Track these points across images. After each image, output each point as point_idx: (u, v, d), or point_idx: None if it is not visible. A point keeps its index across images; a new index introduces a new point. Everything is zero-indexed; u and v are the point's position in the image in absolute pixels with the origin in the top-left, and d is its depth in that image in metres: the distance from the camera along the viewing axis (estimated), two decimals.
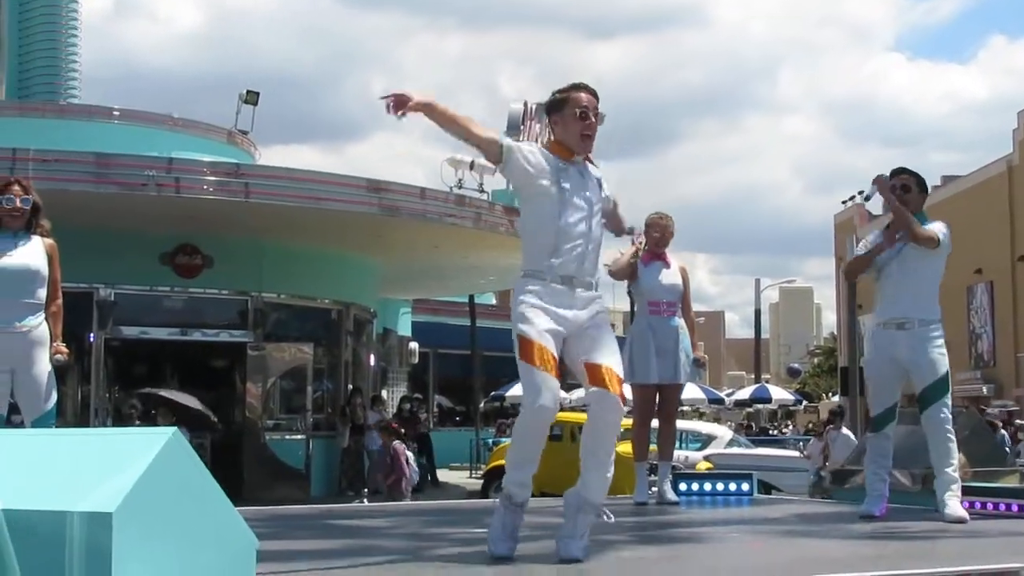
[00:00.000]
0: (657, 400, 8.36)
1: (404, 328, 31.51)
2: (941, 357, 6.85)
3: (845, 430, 16.54)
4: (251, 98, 24.60)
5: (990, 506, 7.15)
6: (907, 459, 8.38)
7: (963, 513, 6.64)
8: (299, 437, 20.75)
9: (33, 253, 6.65)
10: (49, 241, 6.75)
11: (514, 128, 31.18)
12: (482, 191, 23.59)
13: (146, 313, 19.62)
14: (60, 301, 6.79)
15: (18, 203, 6.65)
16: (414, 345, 31.70)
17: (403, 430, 23.92)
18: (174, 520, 3.56)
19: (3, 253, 6.58)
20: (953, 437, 6.83)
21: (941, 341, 6.90)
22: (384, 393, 26.31)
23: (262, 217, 18.10)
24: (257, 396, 20.18)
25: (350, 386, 22.27)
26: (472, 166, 24.08)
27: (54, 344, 6.67)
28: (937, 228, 6.95)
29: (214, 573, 3.68)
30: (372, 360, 24.59)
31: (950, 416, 6.86)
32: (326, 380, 22.01)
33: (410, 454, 17.95)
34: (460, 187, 22.95)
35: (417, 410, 26.02)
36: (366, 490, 20.48)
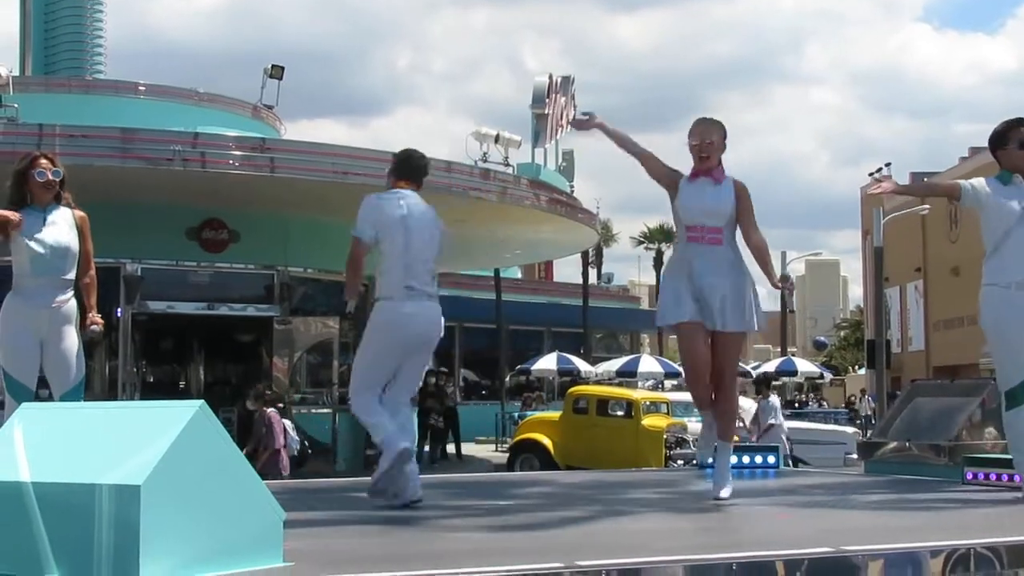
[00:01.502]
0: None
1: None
2: None
3: (773, 398, 16.57)
4: (276, 72, 24.61)
5: (1018, 479, 7.11)
6: (932, 431, 8.36)
7: None
8: (325, 411, 20.81)
9: (63, 229, 6.64)
10: (80, 213, 6.72)
11: (539, 101, 30.98)
12: (507, 165, 23.59)
13: (173, 288, 19.69)
14: (93, 272, 6.79)
15: (49, 176, 6.63)
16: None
17: (429, 403, 24.04)
18: (201, 492, 3.58)
19: (34, 231, 6.57)
20: None
21: None
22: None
23: (288, 192, 18.12)
24: (283, 370, 20.25)
25: None
26: (497, 139, 24.07)
27: (89, 315, 6.69)
28: None
29: (241, 545, 3.70)
30: None
31: None
32: (352, 354, 22.05)
33: (288, 422, 16.58)
34: (485, 160, 22.94)
35: (444, 384, 26.06)
36: None
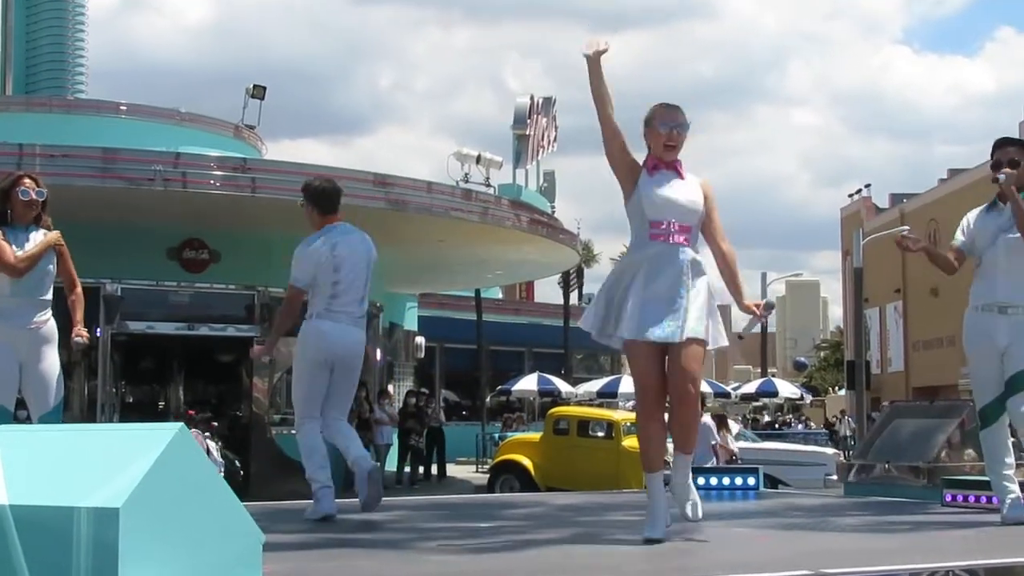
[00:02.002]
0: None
1: (411, 322, 31.53)
2: None
3: (706, 418, 16.67)
4: (258, 92, 24.64)
5: (996, 500, 7.13)
6: (911, 453, 8.39)
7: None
8: None
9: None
10: (56, 233, 6.74)
11: (521, 122, 31.05)
12: (488, 185, 23.65)
13: (153, 308, 19.65)
14: (79, 290, 6.83)
15: (33, 195, 6.65)
16: (420, 339, 31.74)
17: (410, 423, 23.99)
18: (180, 515, 3.57)
19: (16, 249, 6.55)
20: None
21: None
22: (391, 388, 26.33)
23: (269, 211, 18.11)
24: (263, 391, 20.20)
25: None
26: (479, 160, 24.13)
27: (76, 328, 6.70)
28: None
29: (220, 568, 3.69)
30: (378, 354, 24.60)
31: None
32: None
33: (212, 444, 16.44)
34: (467, 181, 23.00)
35: (425, 404, 26.02)
36: None
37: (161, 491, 3.50)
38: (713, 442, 16.13)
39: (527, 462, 20.40)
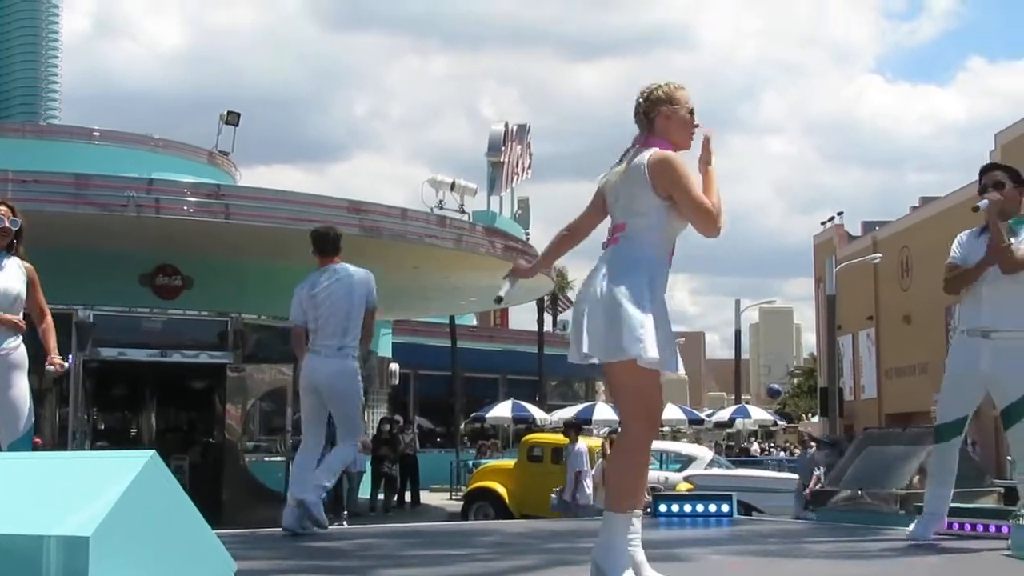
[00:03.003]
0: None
1: (385, 349, 31.48)
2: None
3: (580, 444, 16.69)
4: (232, 119, 24.63)
5: (967, 527, 7.16)
6: (884, 480, 8.42)
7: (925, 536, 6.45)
8: (279, 459, 20.67)
9: (13, 276, 6.64)
10: (28, 265, 6.73)
11: (495, 149, 31.13)
12: (463, 212, 23.66)
13: (125, 334, 19.55)
14: (50, 319, 6.83)
15: (7, 223, 6.62)
16: (395, 366, 31.69)
17: (383, 451, 23.93)
18: (151, 544, 3.55)
19: None
20: None
21: None
22: (364, 415, 26.24)
23: (242, 238, 18.08)
24: (236, 418, 20.12)
25: None
26: (453, 187, 24.15)
27: (50, 356, 6.68)
28: None
29: None
30: None
31: None
32: None
33: None
34: (441, 208, 23.01)
35: (398, 432, 25.95)
36: (346, 512, 20.43)
37: (132, 519, 3.48)
38: (580, 468, 16.00)
39: (501, 489, 20.37)
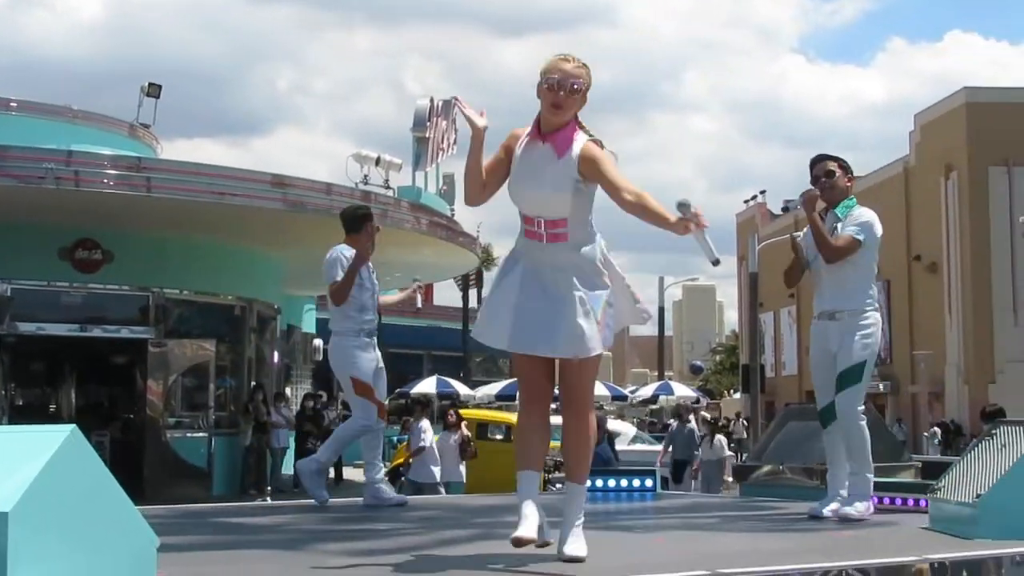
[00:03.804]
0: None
1: (309, 325, 31.29)
2: (862, 347, 6.69)
3: (424, 421, 16.88)
4: (153, 91, 24.30)
5: (887, 500, 7.28)
6: (804, 455, 8.52)
7: (850, 513, 6.57)
8: (201, 435, 20.51)
9: None
10: None
11: (420, 124, 31.01)
12: (388, 187, 23.53)
13: (44, 309, 19.26)
14: None
15: None
16: (318, 342, 31.48)
17: (307, 426, 23.80)
18: (73, 519, 3.50)
19: None
20: (860, 432, 6.65)
21: (870, 331, 6.72)
22: (288, 390, 26.10)
23: (164, 212, 17.87)
24: (158, 393, 19.91)
25: (253, 383, 22.08)
26: (378, 161, 24.02)
27: None
28: (858, 226, 6.78)
29: (114, 572, 3.63)
30: (276, 357, 24.39)
31: (859, 410, 6.66)
32: (229, 377, 21.79)
33: None
34: (366, 183, 22.86)
35: (323, 408, 25.82)
36: (269, 488, 20.33)
37: (52, 494, 3.43)
38: (423, 444, 16.09)
39: None
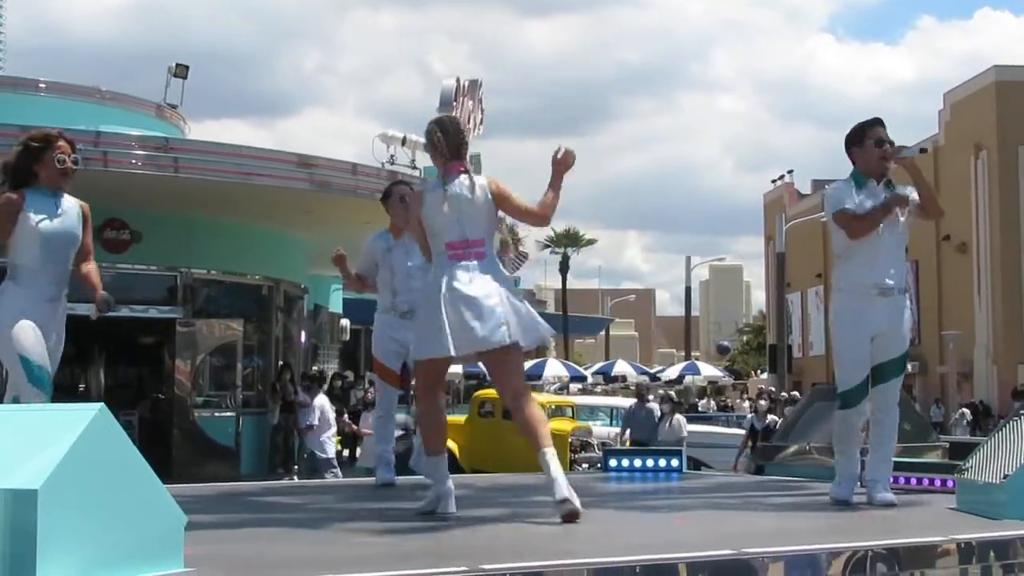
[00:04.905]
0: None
1: (335, 305, 31.37)
2: (908, 331, 6.57)
3: (320, 397, 16.67)
4: (180, 71, 24.32)
5: (914, 481, 7.26)
6: (831, 435, 8.50)
7: (893, 498, 6.39)
8: (229, 414, 20.59)
9: (73, 218, 6.34)
10: (84, 204, 6.42)
11: (447, 105, 30.94)
12: (414, 167, 23.52)
13: (72, 288, 19.33)
14: (93, 261, 6.56)
15: (69, 162, 6.27)
16: (345, 322, 31.58)
17: (335, 406, 23.89)
18: (101, 497, 3.53)
19: (49, 216, 6.21)
20: (897, 420, 6.54)
21: (911, 313, 6.61)
22: (314, 369, 26.18)
23: (191, 192, 17.92)
24: (186, 373, 19.99)
25: (280, 363, 22.16)
26: (404, 142, 24.01)
27: (98, 292, 6.54)
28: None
29: (142, 549, 3.65)
30: (303, 337, 24.46)
31: (898, 397, 6.54)
32: (256, 357, 21.86)
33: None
34: (392, 163, 22.85)
35: (351, 388, 25.91)
36: (297, 467, 20.41)
37: (81, 472, 3.46)
38: (312, 423, 16.11)
39: (452, 444, 20.37)
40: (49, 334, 6.26)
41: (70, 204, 6.32)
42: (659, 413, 19.52)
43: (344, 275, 8.39)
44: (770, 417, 18.45)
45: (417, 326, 6.03)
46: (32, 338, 6.09)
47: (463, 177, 5.83)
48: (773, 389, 25.99)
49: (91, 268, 6.51)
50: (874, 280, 6.45)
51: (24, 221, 6.12)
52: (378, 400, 8.30)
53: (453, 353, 5.67)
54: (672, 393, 21.86)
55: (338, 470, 15.96)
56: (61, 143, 6.27)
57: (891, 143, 6.56)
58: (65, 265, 6.32)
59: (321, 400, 16.44)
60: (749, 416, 20.97)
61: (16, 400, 6.00)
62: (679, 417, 19.67)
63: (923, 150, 40.15)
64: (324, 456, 15.89)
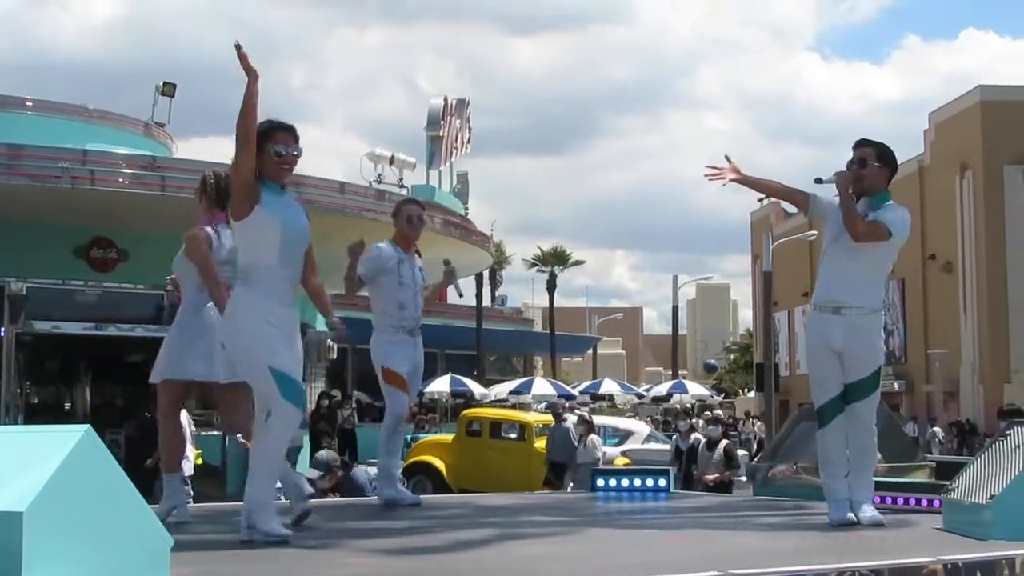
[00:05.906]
0: None
1: (322, 324, 31.29)
2: (879, 351, 6.51)
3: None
4: (168, 90, 24.33)
5: (900, 501, 7.27)
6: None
7: (880, 517, 6.37)
8: (215, 433, 20.52)
9: (304, 216, 5.92)
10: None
11: (434, 123, 30.97)
12: (402, 186, 23.54)
13: (59, 307, 19.28)
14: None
15: (294, 153, 5.80)
16: (332, 341, 31.51)
17: (321, 426, 23.85)
18: (87, 519, 3.52)
19: (287, 209, 5.70)
20: (875, 438, 6.51)
21: (879, 332, 6.55)
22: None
23: (179, 210, 17.84)
24: None
25: None
26: (392, 160, 24.04)
27: (334, 319, 6.50)
28: (891, 218, 6.51)
29: (127, 571, 3.64)
30: None
31: (874, 416, 6.50)
32: None
33: None
34: (380, 182, 22.88)
35: (338, 407, 25.86)
36: (281, 487, 20.30)
37: (67, 494, 3.45)
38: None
39: (439, 463, 20.38)
40: (292, 346, 5.79)
41: (296, 202, 5.92)
42: (575, 434, 18.81)
43: (349, 266, 7.97)
44: (693, 436, 18.17)
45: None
46: (282, 349, 5.63)
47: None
48: (720, 412, 25.77)
49: (320, 282, 6.19)
50: (825, 297, 6.50)
51: (262, 214, 5.61)
52: (388, 409, 8.04)
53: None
54: (586, 413, 21.10)
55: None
56: (279, 134, 5.86)
57: (853, 162, 6.61)
58: (300, 269, 5.87)
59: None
60: (674, 437, 20.62)
61: (269, 416, 5.52)
62: (593, 437, 18.96)
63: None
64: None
